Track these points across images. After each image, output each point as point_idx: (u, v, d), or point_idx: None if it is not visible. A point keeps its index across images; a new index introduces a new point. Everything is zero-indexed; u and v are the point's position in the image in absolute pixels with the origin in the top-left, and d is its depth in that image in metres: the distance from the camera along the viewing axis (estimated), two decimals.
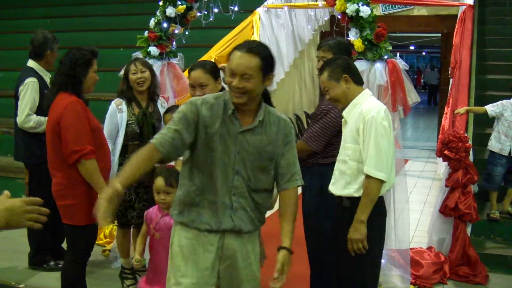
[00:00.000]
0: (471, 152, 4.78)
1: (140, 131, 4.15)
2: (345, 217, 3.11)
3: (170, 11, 5.51)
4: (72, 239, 3.59)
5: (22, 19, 11.04)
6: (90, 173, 3.37)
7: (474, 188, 4.85)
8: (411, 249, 4.78)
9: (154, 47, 5.53)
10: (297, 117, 9.40)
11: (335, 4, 4.63)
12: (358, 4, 4.49)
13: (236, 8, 6.81)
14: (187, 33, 5.78)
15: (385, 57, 4.52)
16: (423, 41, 22.80)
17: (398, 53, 5.79)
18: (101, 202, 2.20)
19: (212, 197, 2.54)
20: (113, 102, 4.23)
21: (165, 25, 5.56)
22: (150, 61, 5.13)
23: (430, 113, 19.10)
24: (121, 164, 4.05)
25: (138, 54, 5.42)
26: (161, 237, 3.39)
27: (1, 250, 5.02)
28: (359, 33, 4.57)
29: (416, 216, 6.32)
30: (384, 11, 9.51)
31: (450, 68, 6.63)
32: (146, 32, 5.59)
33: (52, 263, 4.76)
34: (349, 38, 4.52)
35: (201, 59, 6.32)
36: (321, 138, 3.51)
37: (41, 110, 4.43)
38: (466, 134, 4.88)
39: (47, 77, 4.70)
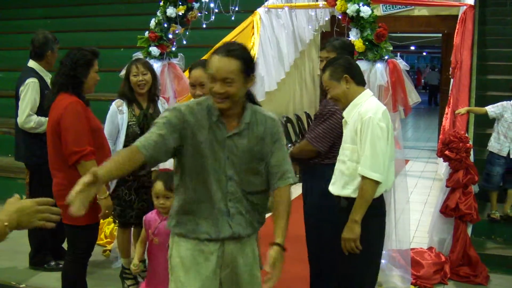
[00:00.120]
0: (471, 152, 4.78)
1: (141, 132, 4.14)
2: (342, 217, 3.12)
3: (171, 11, 5.51)
4: (72, 239, 3.59)
5: (23, 19, 11.04)
6: None
7: (474, 188, 4.85)
8: (412, 249, 4.78)
9: (155, 47, 5.53)
10: (297, 117, 9.42)
11: (335, 4, 4.63)
12: (358, 4, 4.49)
13: (236, 9, 6.81)
14: (187, 33, 5.78)
15: (386, 57, 4.52)
16: (424, 42, 22.79)
17: (398, 53, 5.80)
18: (77, 186, 2.08)
19: (207, 205, 2.50)
20: (113, 103, 4.23)
21: (165, 25, 5.56)
22: (151, 61, 5.13)
23: (431, 113, 19.09)
24: None
25: (139, 54, 5.42)
26: (160, 243, 3.37)
27: (1, 250, 5.02)
28: (359, 33, 4.57)
29: (417, 216, 6.32)
30: (385, 11, 9.52)
31: (450, 69, 6.63)
32: (147, 32, 5.59)
33: (52, 263, 4.76)
34: (349, 39, 4.52)
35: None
36: (326, 139, 3.51)
37: (41, 110, 4.43)
38: (466, 135, 4.88)
39: (48, 77, 4.70)
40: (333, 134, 3.49)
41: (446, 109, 5.90)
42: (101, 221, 4.24)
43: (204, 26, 6.24)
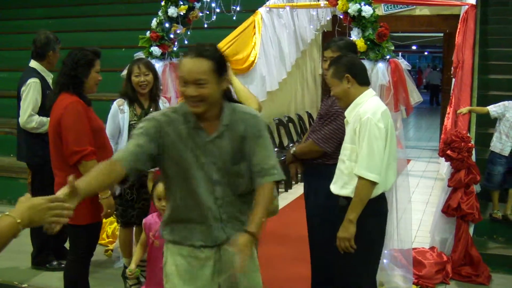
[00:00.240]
0: (473, 152, 4.78)
1: None
2: (342, 216, 3.13)
3: (172, 11, 5.51)
4: (74, 238, 3.59)
5: (24, 19, 11.06)
6: None
7: (476, 188, 4.85)
8: (414, 249, 4.77)
9: (156, 47, 5.54)
10: (299, 117, 9.43)
11: (337, 4, 4.63)
12: (360, 4, 4.49)
13: (238, 8, 6.81)
14: (189, 33, 5.78)
15: (388, 57, 4.52)
16: (425, 41, 22.76)
17: (400, 53, 5.79)
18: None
19: (198, 212, 2.44)
20: (115, 103, 4.25)
21: (167, 25, 5.57)
22: (152, 61, 5.13)
23: (432, 113, 19.08)
24: None
25: (140, 54, 5.42)
26: (161, 245, 3.36)
27: (3, 250, 5.03)
28: (361, 33, 4.57)
29: (419, 216, 6.32)
30: (386, 11, 9.52)
31: (452, 68, 6.63)
32: (148, 32, 5.59)
33: (54, 263, 4.77)
34: (351, 38, 4.52)
35: None
36: (333, 140, 3.50)
37: (43, 110, 4.44)
38: (468, 134, 4.87)
39: (49, 77, 4.71)
40: (339, 135, 3.48)
41: (448, 109, 5.90)
42: (104, 220, 4.25)
43: (206, 25, 6.24)
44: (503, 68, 7.57)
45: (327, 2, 5.08)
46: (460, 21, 6.87)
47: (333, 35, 4.72)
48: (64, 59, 3.53)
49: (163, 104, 4.38)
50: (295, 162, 3.86)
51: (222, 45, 6.68)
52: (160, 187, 3.38)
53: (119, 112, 4.20)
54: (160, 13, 5.60)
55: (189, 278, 2.50)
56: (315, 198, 3.68)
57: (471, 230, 4.79)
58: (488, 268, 4.71)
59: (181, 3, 5.53)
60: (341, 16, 4.71)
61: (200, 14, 5.88)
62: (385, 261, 4.45)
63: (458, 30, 6.76)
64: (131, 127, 4.14)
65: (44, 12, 11.38)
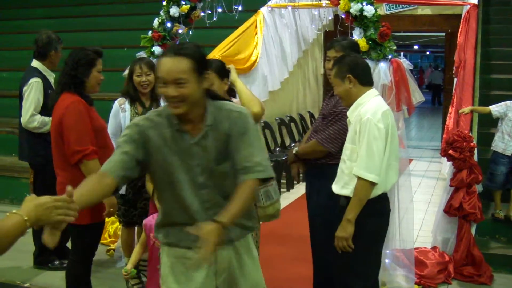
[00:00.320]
0: (475, 151, 4.77)
1: None
2: (342, 216, 3.14)
3: (174, 11, 5.52)
4: (76, 238, 3.59)
5: (26, 19, 11.08)
6: (92, 173, 3.35)
7: (478, 187, 4.84)
8: (416, 248, 4.77)
9: (158, 47, 5.54)
10: (301, 117, 9.42)
11: (339, 4, 4.62)
12: (362, 3, 4.49)
13: (239, 8, 6.81)
14: (190, 33, 5.78)
15: (389, 56, 4.51)
16: (427, 41, 22.73)
17: (402, 53, 5.78)
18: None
19: (187, 216, 2.38)
20: (116, 102, 4.27)
21: (169, 25, 5.57)
22: (154, 61, 5.13)
23: (434, 112, 19.08)
24: None
25: (142, 54, 5.43)
26: None
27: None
28: (363, 32, 4.57)
29: (421, 215, 6.31)
30: (388, 10, 9.51)
31: (454, 68, 6.62)
32: (150, 32, 5.60)
33: (56, 262, 4.78)
34: (353, 38, 4.52)
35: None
36: (338, 140, 3.49)
37: (45, 110, 4.45)
38: (470, 134, 4.87)
39: (51, 77, 4.71)
40: (344, 135, 3.46)
41: (450, 109, 5.89)
42: (106, 220, 4.25)
43: (208, 25, 6.23)
44: (505, 67, 7.56)
45: (329, 2, 5.07)
46: (462, 20, 6.86)
47: (335, 35, 4.72)
48: (66, 59, 3.53)
49: (164, 103, 4.38)
50: (297, 162, 3.85)
51: (224, 44, 6.69)
52: None
53: (120, 111, 4.22)
54: (162, 13, 5.61)
55: (184, 280, 2.48)
56: (317, 198, 3.67)
57: (473, 230, 4.78)
58: (490, 268, 4.71)
59: (183, 2, 5.53)
60: (343, 16, 4.71)
61: (202, 14, 5.88)
62: (387, 261, 4.45)
63: (460, 29, 6.75)
64: None
65: (45, 12, 11.40)
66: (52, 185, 3.54)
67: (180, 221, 2.41)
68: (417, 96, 4.62)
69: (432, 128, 15.52)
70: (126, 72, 4.41)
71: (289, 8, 7.88)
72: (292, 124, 8.87)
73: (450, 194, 4.80)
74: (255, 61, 7.08)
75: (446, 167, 5.35)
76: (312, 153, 3.66)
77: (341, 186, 3.19)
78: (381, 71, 4.45)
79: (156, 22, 5.60)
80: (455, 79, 6.46)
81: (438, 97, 22.12)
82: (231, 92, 3.51)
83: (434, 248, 4.89)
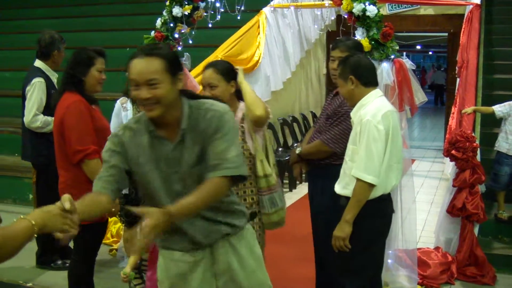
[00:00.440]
0: (478, 152, 4.77)
1: None
2: (341, 215, 3.15)
3: (177, 11, 5.51)
4: (79, 238, 3.55)
5: (28, 19, 11.10)
6: (94, 172, 3.32)
7: (481, 188, 4.83)
8: (418, 249, 4.76)
9: None
10: (303, 117, 9.42)
11: (341, 4, 4.62)
12: (364, 3, 4.48)
13: (242, 8, 6.81)
14: (193, 33, 5.79)
15: (392, 56, 4.51)
16: (430, 41, 22.73)
17: (404, 53, 5.78)
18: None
19: (174, 224, 2.26)
20: (118, 101, 4.29)
21: (171, 25, 5.57)
22: None
23: (437, 113, 19.05)
24: None
25: None
26: None
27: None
28: (365, 32, 4.56)
29: (423, 216, 6.30)
30: (391, 10, 9.51)
31: (457, 68, 6.62)
32: (153, 32, 5.60)
33: (59, 262, 4.78)
34: (355, 38, 4.51)
35: (208, 59, 6.33)
36: (343, 140, 3.47)
37: (48, 110, 4.45)
38: (473, 134, 4.86)
39: (54, 77, 4.72)
40: (349, 136, 3.47)
41: (453, 109, 5.89)
42: (108, 220, 4.25)
43: (210, 25, 6.24)
44: (508, 67, 7.55)
45: (331, 2, 5.07)
46: (464, 20, 6.86)
47: (338, 35, 4.71)
48: (69, 58, 3.55)
49: None
50: (300, 162, 3.85)
51: (227, 45, 6.69)
52: None
53: (122, 110, 4.25)
54: (164, 13, 5.61)
55: (180, 283, 2.46)
56: (320, 198, 3.67)
57: (476, 230, 4.77)
58: (493, 268, 4.70)
59: (186, 3, 5.53)
60: (346, 16, 4.70)
61: (205, 14, 5.88)
62: (389, 261, 4.44)
63: (462, 29, 6.75)
64: None
65: (47, 12, 11.42)
66: (55, 185, 3.54)
67: (167, 228, 2.34)
68: (420, 96, 4.61)
69: (434, 128, 15.50)
70: None
71: (292, 8, 7.88)
72: (295, 124, 8.87)
73: (453, 195, 4.79)
74: (257, 61, 7.08)
75: (449, 167, 5.35)
76: (317, 153, 3.65)
77: (342, 187, 3.20)
78: (384, 71, 4.45)
79: (159, 22, 5.60)
80: (458, 79, 6.46)
81: (440, 97, 22.10)
82: (240, 94, 3.37)
83: (436, 248, 4.88)
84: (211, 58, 6.32)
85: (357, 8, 4.49)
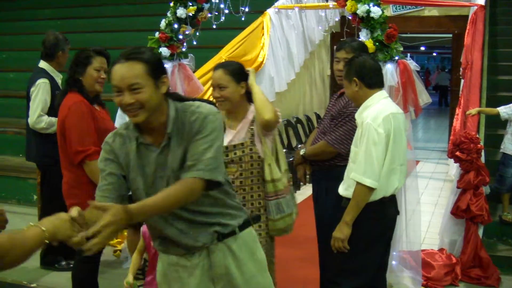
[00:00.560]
0: (482, 153, 4.75)
1: None
2: (342, 216, 3.17)
3: (181, 12, 5.52)
4: None
5: (32, 20, 11.12)
6: (95, 173, 3.31)
7: (486, 189, 4.82)
8: (422, 250, 4.76)
9: (165, 48, 5.54)
10: (307, 118, 9.42)
11: (345, 5, 4.62)
12: (369, 4, 4.48)
13: (246, 9, 6.82)
14: (197, 34, 5.79)
15: (396, 58, 4.51)
16: (434, 42, 22.69)
17: (408, 54, 5.77)
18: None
19: (161, 228, 2.31)
20: None
21: (176, 26, 5.57)
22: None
23: (441, 114, 19.02)
24: None
25: None
26: None
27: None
28: (370, 34, 4.56)
29: (427, 217, 6.29)
30: (395, 11, 9.51)
31: (461, 69, 6.60)
32: (157, 33, 5.61)
33: (63, 262, 4.79)
34: (360, 39, 4.51)
35: (212, 60, 6.34)
36: (348, 141, 3.45)
37: (53, 110, 4.46)
38: (477, 135, 4.85)
39: (59, 78, 4.73)
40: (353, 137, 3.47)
41: (457, 110, 5.87)
42: None
43: (214, 26, 6.25)
44: None
45: (335, 3, 5.07)
46: (469, 22, 6.84)
47: (342, 36, 4.71)
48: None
49: None
50: (304, 163, 3.84)
51: (231, 46, 6.70)
52: None
53: None
54: (169, 14, 5.61)
55: (177, 286, 2.44)
56: (325, 199, 3.66)
57: (480, 232, 4.76)
58: (497, 270, 4.69)
59: (190, 4, 5.54)
60: (350, 17, 4.70)
61: (209, 15, 5.89)
62: (394, 262, 4.44)
63: (467, 31, 6.73)
64: None
65: (51, 13, 11.44)
66: (59, 185, 3.56)
67: (161, 232, 2.35)
68: (424, 98, 4.61)
69: (439, 129, 15.48)
70: None
71: (296, 9, 7.88)
72: (299, 126, 8.87)
73: (457, 196, 4.78)
74: (261, 62, 7.08)
75: (453, 168, 5.33)
76: (321, 154, 3.64)
77: (345, 188, 3.21)
78: (388, 72, 4.44)
79: (163, 23, 5.61)
80: (462, 81, 6.44)
81: (445, 98, 22.06)
82: (250, 96, 3.29)
83: (441, 250, 4.87)
84: (215, 59, 6.33)
85: (361, 9, 4.49)
